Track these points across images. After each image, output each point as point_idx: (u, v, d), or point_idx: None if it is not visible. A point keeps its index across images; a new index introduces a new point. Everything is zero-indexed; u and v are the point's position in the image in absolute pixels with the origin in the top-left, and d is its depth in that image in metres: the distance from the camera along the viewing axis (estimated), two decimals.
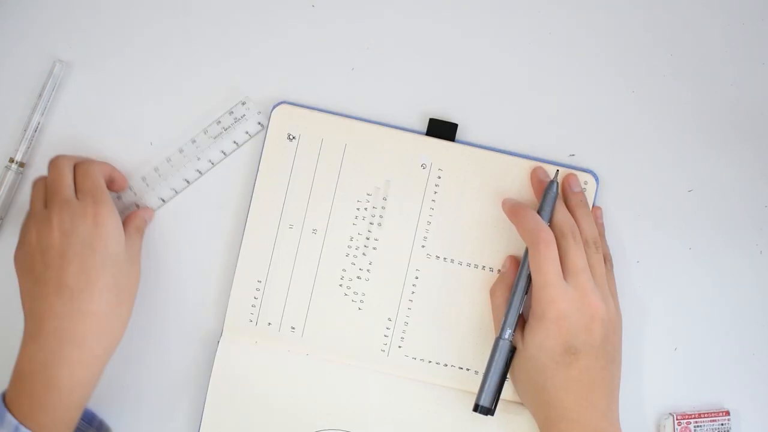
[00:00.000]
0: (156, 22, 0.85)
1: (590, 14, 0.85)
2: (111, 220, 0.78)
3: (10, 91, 0.85)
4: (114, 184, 0.83)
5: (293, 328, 0.83)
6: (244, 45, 0.85)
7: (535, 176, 0.83)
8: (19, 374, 0.77)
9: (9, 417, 0.74)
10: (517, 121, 0.85)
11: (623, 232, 0.85)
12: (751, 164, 0.85)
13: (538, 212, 0.80)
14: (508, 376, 0.80)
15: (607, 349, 0.77)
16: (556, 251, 0.77)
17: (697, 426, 0.83)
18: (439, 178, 0.83)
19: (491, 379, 0.79)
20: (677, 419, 0.83)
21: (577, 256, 0.78)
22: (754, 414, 0.84)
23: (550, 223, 0.80)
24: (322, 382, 0.83)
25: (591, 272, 0.78)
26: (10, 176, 0.84)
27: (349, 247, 0.83)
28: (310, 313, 0.84)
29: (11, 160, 0.84)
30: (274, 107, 0.84)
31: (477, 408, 0.79)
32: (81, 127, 0.85)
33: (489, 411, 0.79)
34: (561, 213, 0.80)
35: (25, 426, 0.74)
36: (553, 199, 0.80)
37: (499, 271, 0.83)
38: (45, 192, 0.80)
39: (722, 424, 0.83)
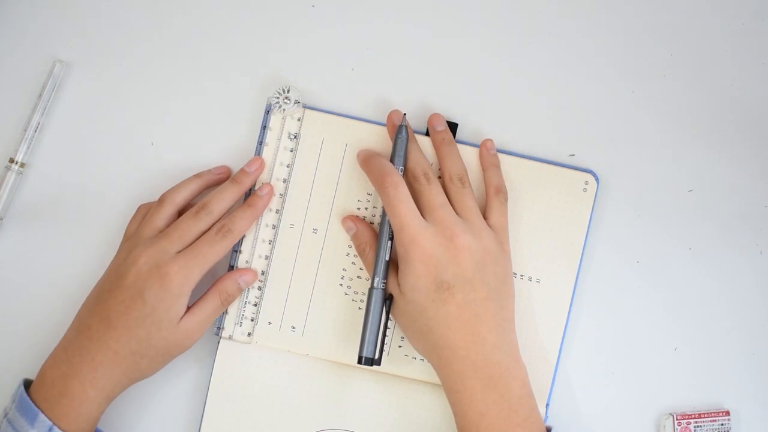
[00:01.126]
0: (155, 23, 0.85)
1: (590, 15, 0.85)
2: (177, 290, 0.77)
3: (10, 91, 0.85)
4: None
5: (293, 328, 0.83)
6: (244, 45, 0.85)
7: (390, 121, 0.83)
8: (42, 376, 0.78)
9: (42, 417, 0.75)
10: (517, 121, 0.85)
11: (623, 232, 0.85)
12: (751, 164, 0.85)
13: (391, 159, 0.80)
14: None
15: (485, 281, 0.77)
16: (407, 192, 0.77)
17: (697, 426, 0.83)
18: (440, 177, 0.83)
19: (370, 330, 0.79)
20: (677, 419, 0.83)
21: (432, 194, 0.78)
22: (754, 414, 0.84)
23: (405, 167, 0.80)
24: (322, 382, 0.83)
25: (457, 207, 0.79)
26: (10, 176, 0.84)
27: (350, 246, 0.83)
28: (310, 313, 0.83)
29: (11, 160, 0.84)
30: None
31: (360, 360, 0.79)
32: (81, 127, 0.85)
33: (374, 361, 0.79)
34: (411, 156, 0.80)
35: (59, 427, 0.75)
36: (403, 143, 0.81)
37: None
38: (161, 220, 0.80)
39: (722, 424, 0.83)
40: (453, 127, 0.84)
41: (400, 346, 0.83)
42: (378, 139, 0.84)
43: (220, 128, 0.85)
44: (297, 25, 0.85)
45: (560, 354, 0.83)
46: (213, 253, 0.79)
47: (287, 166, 0.84)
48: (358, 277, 0.83)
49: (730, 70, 0.85)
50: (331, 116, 0.84)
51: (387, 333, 0.83)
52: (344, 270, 0.83)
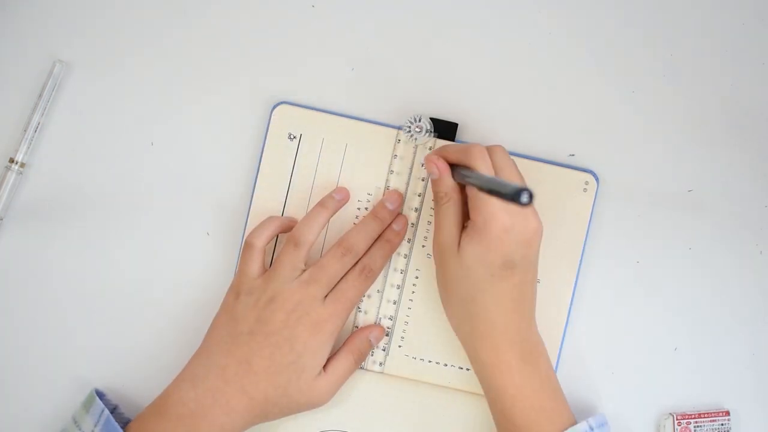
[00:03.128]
0: (155, 22, 0.85)
1: (590, 14, 0.85)
2: (327, 338, 0.77)
3: (10, 91, 0.85)
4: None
5: None
6: (245, 45, 0.85)
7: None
8: (163, 411, 0.76)
9: None
10: (517, 121, 0.85)
11: (623, 232, 0.85)
12: (751, 164, 0.85)
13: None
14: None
15: (536, 264, 0.77)
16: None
17: (697, 426, 0.83)
18: None
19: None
20: (677, 419, 0.83)
21: (513, 172, 0.76)
22: (754, 414, 0.84)
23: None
24: None
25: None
26: (10, 176, 0.84)
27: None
28: None
29: (11, 160, 0.84)
30: (274, 107, 0.84)
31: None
32: (81, 127, 0.85)
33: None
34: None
35: None
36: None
37: None
38: (302, 262, 0.79)
39: (722, 424, 0.83)
40: (453, 127, 0.84)
41: (400, 347, 0.83)
42: (378, 138, 0.84)
43: (219, 128, 0.85)
44: (297, 25, 0.85)
45: (560, 354, 0.83)
46: (358, 296, 0.80)
47: (288, 167, 0.84)
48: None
49: (730, 70, 0.85)
50: (330, 116, 0.84)
51: (388, 333, 0.83)
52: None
